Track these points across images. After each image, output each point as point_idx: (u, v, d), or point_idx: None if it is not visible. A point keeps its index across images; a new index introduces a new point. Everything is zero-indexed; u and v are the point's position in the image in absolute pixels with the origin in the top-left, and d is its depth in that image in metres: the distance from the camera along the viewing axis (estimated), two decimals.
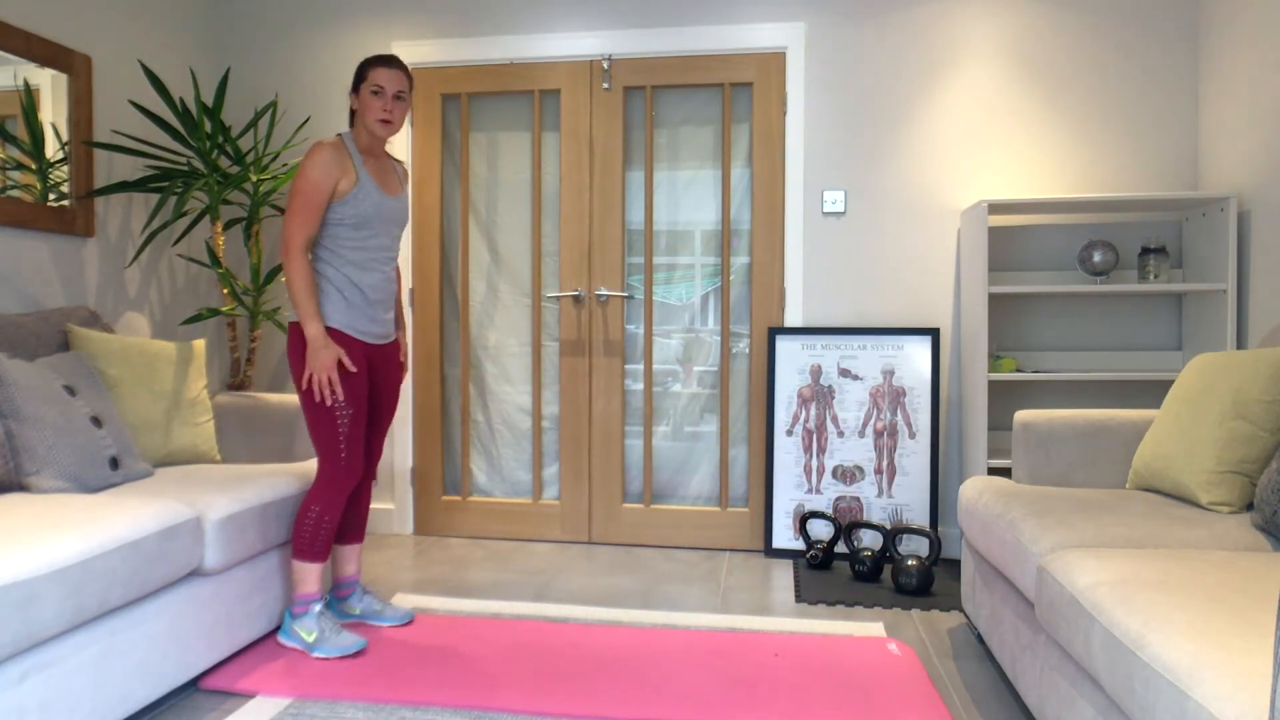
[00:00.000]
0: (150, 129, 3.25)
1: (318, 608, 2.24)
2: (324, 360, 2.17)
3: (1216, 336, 2.93)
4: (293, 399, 2.76)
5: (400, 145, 3.57)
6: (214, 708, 1.96)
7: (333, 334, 2.26)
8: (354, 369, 2.23)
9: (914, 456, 3.23)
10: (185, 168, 3.01)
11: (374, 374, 2.38)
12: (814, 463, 3.30)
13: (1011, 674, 1.96)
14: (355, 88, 2.28)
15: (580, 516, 3.53)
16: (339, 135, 2.29)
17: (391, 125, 2.25)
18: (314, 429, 2.23)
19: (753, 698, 1.99)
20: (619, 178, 3.47)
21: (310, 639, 2.22)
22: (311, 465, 2.57)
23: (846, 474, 3.28)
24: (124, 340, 2.51)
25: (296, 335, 2.27)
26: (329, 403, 2.19)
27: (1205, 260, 3.02)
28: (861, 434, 3.27)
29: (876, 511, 3.25)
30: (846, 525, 3.14)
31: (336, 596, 2.47)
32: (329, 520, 2.22)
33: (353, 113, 2.31)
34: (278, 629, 2.42)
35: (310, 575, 2.24)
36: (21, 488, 2.06)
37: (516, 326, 3.59)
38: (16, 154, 2.65)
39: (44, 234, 2.76)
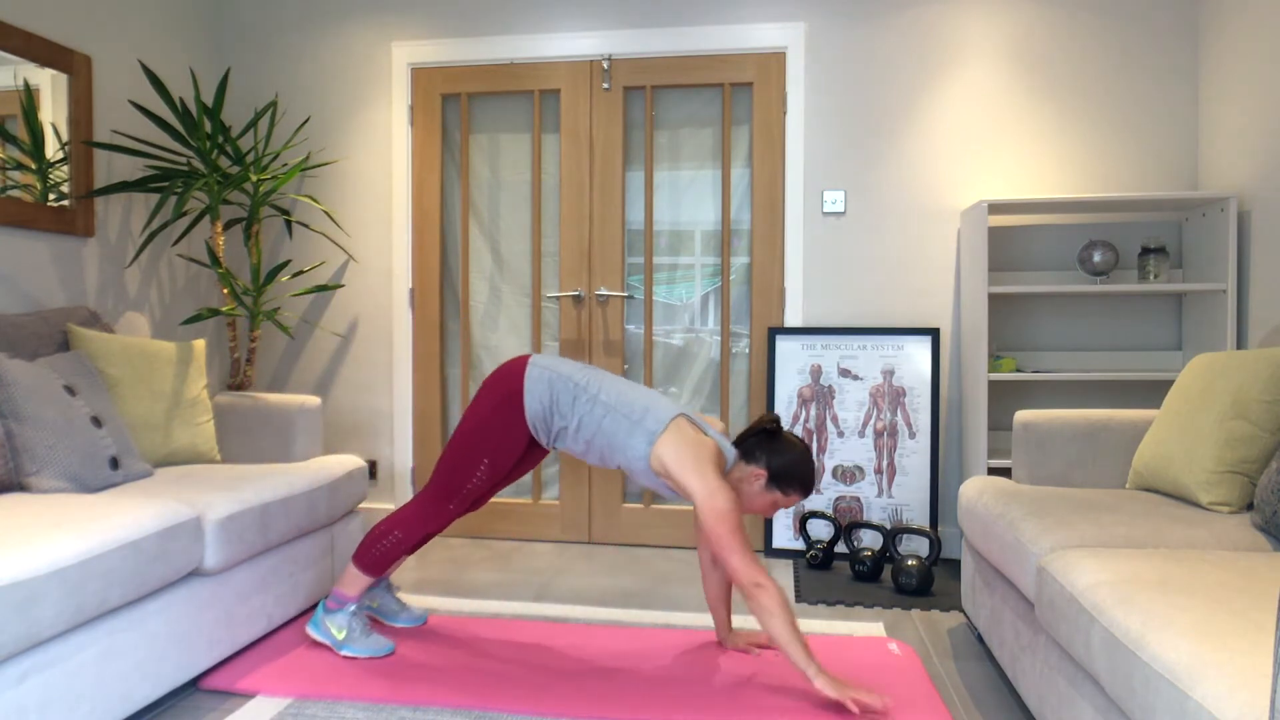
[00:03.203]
0: (150, 129, 3.25)
1: (352, 608, 2.25)
2: (849, 693, 1.90)
3: (1216, 336, 2.93)
4: (293, 399, 2.76)
5: (400, 145, 3.57)
6: (214, 708, 1.96)
7: (523, 419, 2.13)
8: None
9: (914, 456, 3.23)
10: (185, 168, 3.01)
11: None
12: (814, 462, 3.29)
13: (1011, 674, 1.96)
14: (774, 481, 2.11)
15: (580, 516, 3.53)
16: (715, 442, 2.08)
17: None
18: (448, 468, 2.15)
19: (753, 698, 1.99)
20: (619, 178, 3.47)
21: (340, 636, 2.22)
22: (314, 464, 2.57)
23: (846, 474, 3.28)
24: (124, 340, 2.51)
25: (506, 380, 2.13)
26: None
27: (1205, 260, 3.02)
28: (861, 434, 3.27)
29: (876, 511, 3.25)
30: (846, 525, 3.14)
31: None
32: (406, 547, 2.20)
33: (745, 448, 2.15)
34: (280, 628, 2.42)
35: (359, 583, 2.23)
36: (21, 488, 2.06)
37: (517, 327, 3.59)
38: (16, 154, 2.65)
39: (44, 234, 2.76)
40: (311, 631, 2.26)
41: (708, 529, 1.95)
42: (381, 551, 2.19)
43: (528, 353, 2.18)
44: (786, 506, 2.17)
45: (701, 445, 2.04)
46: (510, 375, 2.15)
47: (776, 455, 2.12)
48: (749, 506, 2.17)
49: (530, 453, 2.32)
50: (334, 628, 2.23)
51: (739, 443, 2.18)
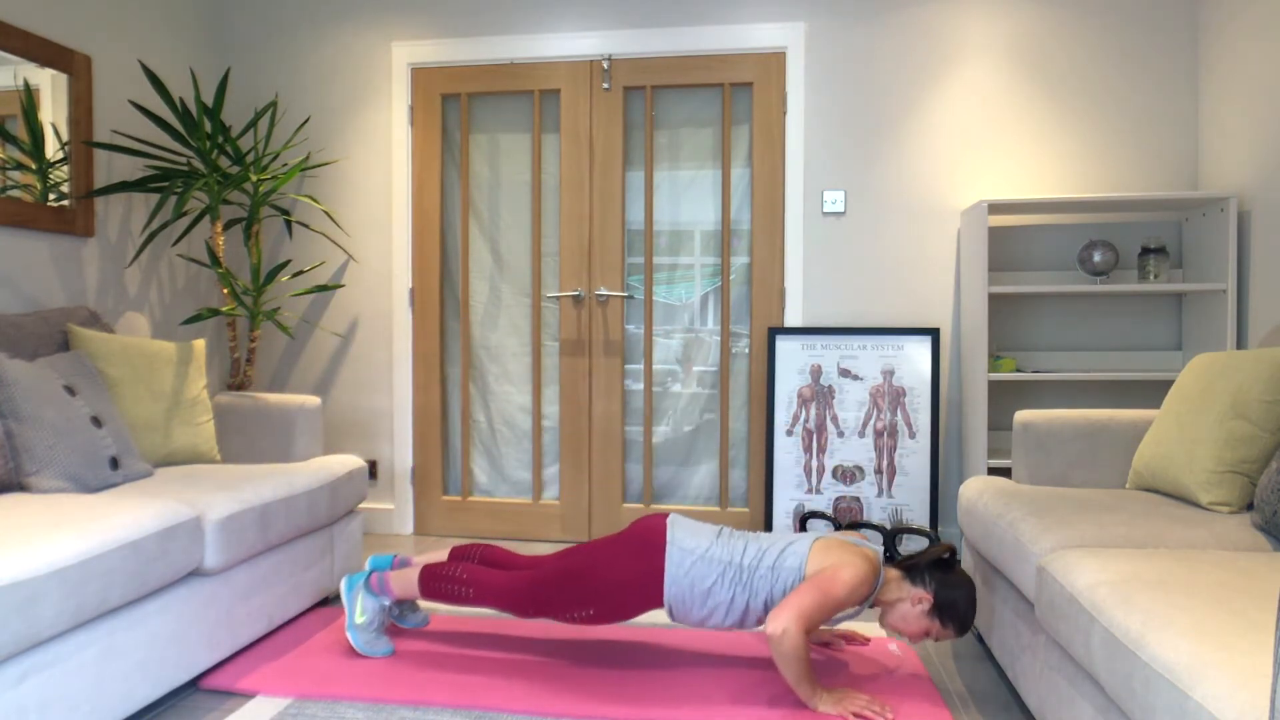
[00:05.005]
0: (150, 129, 3.25)
1: (388, 603, 2.27)
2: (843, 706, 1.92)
3: (1216, 336, 2.93)
4: (293, 399, 2.76)
5: (400, 145, 3.57)
6: (214, 708, 1.96)
7: (659, 599, 2.05)
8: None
9: (914, 456, 3.23)
10: (185, 168, 3.01)
11: None
12: (814, 463, 3.30)
13: (1011, 674, 1.96)
14: (937, 611, 2.00)
15: (580, 516, 3.53)
16: (878, 561, 2.02)
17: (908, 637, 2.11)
18: (550, 593, 2.07)
19: (753, 698, 1.99)
20: (619, 178, 3.47)
21: (360, 620, 2.23)
22: (314, 464, 2.57)
23: (846, 474, 3.28)
24: (124, 340, 2.52)
25: (647, 552, 2.05)
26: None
27: (1205, 260, 3.02)
28: (861, 434, 3.27)
29: (876, 511, 3.25)
30: (846, 525, 3.13)
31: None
32: (464, 602, 2.17)
33: (910, 570, 2.06)
34: (280, 628, 2.42)
35: (410, 592, 2.22)
36: (21, 488, 2.06)
37: (517, 326, 3.59)
38: (16, 154, 2.65)
39: (44, 234, 2.76)
40: (343, 587, 2.27)
41: (815, 578, 1.91)
42: (446, 590, 2.17)
43: (665, 517, 2.13)
44: (937, 639, 2.06)
45: (863, 549, 1.99)
46: (652, 548, 2.06)
47: (946, 588, 2.01)
48: (898, 625, 2.05)
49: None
50: (360, 608, 2.24)
51: (909, 565, 2.08)
